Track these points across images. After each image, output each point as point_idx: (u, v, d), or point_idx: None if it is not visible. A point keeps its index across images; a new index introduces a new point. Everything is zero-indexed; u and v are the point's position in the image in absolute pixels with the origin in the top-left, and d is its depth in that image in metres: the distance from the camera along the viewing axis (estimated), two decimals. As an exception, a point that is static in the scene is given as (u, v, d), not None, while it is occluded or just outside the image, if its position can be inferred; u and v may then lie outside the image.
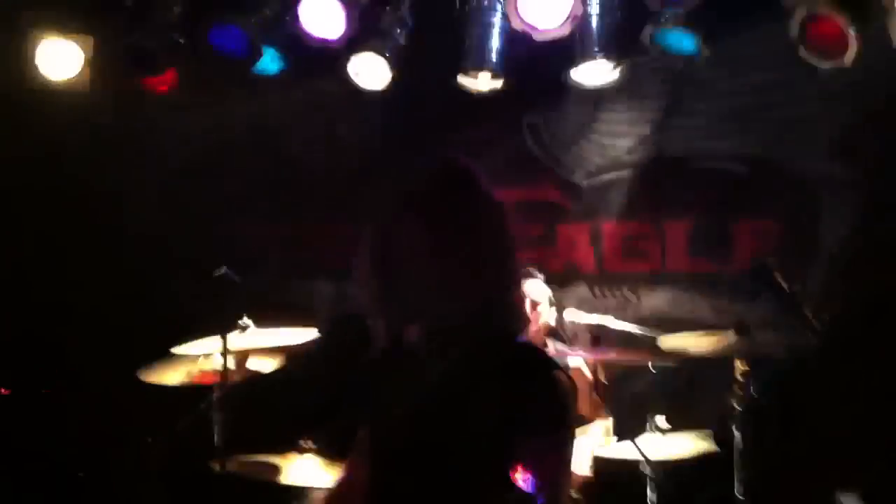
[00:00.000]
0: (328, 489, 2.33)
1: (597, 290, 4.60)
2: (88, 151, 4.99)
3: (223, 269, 3.07)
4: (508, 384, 1.92)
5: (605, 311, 4.34)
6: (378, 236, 2.04)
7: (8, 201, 4.86)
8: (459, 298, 1.99)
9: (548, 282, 3.95)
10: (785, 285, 2.04)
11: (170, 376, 3.83)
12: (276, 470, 3.62)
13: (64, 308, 4.85)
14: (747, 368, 3.57)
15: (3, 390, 4.58)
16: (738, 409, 3.56)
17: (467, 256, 1.98)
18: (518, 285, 2.09)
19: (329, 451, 3.61)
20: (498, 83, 4.22)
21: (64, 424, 4.46)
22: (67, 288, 4.87)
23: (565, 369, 2.02)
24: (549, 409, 1.90)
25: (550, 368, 1.96)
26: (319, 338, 3.82)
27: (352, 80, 4.32)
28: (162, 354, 3.82)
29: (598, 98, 4.57)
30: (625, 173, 4.66)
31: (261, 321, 3.89)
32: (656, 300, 4.57)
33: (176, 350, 3.74)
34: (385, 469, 2.04)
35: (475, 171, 2.08)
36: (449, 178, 2.07)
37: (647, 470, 3.54)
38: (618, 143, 4.69)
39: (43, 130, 4.79)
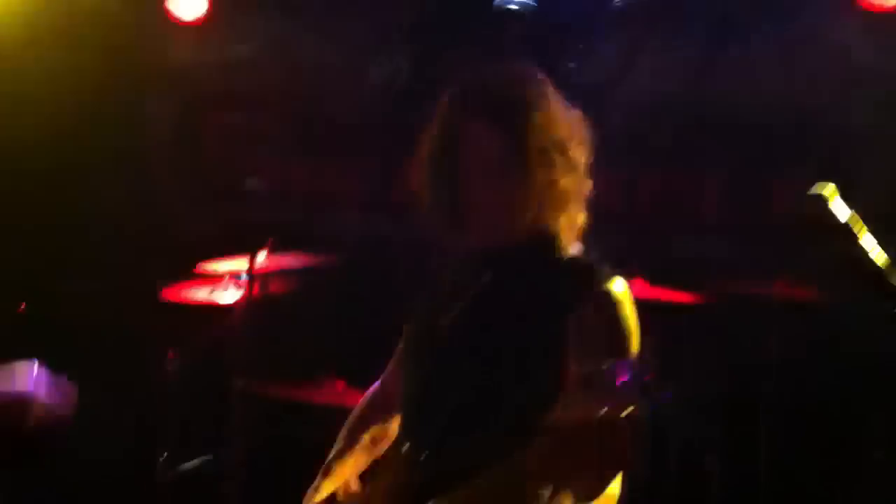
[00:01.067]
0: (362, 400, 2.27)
1: (631, 239, 4.51)
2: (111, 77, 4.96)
3: (251, 181, 3.00)
4: (560, 294, 1.85)
5: (636, 262, 4.26)
6: (444, 140, 1.96)
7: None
8: (525, 208, 1.91)
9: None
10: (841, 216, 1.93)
11: (194, 295, 3.79)
12: (297, 392, 3.58)
13: (89, 227, 4.82)
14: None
15: (22, 306, 4.55)
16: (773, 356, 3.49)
17: (540, 164, 1.90)
18: (584, 203, 2.00)
19: (351, 375, 3.56)
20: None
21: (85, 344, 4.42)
22: (95, 205, 4.84)
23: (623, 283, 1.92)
24: (601, 323, 1.81)
25: (605, 282, 1.87)
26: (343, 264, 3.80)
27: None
28: (187, 273, 3.79)
29: (636, 45, 4.45)
30: (662, 119, 4.55)
31: (286, 246, 3.86)
32: (693, 249, 4.47)
33: (201, 269, 3.70)
34: (427, 375, 1.98)
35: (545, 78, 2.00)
36: (522, 81, 1.97)
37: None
38: (655, 90, 4.57)
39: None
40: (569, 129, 1.97)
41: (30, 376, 2.83)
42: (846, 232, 1.57)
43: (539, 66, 2.03)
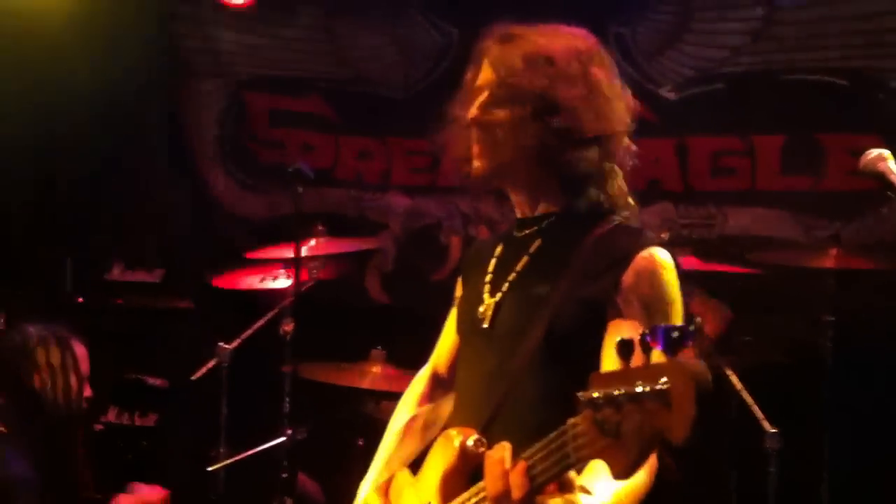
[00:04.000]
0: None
1: (681, 209, 4.43)
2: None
3: (297, 165, 2.98)
4: (607, 259, 1.81)
5: (689, 230, 4.18)
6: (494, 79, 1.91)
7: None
8: (571, 176, 1.87)
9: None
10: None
11: (244, 281, 3.80)
12: (347, 375, 3.58)
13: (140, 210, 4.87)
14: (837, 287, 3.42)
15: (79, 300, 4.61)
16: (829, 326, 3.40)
17: (585, 128, 1.84)
18: (630, 170, 1.95)
19: (400, 358, 3.55)
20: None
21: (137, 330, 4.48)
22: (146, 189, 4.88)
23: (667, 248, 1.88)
24: (641, 284, 1.78)
25: (650, 248, 1.82)
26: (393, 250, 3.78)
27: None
28: (237, 260, 3.80)
29: (688, 7, 4.35)
30: (715, 86, 4.44)
31: (335, 232, 3.85)
32: (744, 219, 4.37)
33: (250, 255, 3.71)
34: (479, 352, 1.95)
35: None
36: (570, 39, 1.92)
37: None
38: (709, 53, 4.46)
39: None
40: (617, 93, 1.91)
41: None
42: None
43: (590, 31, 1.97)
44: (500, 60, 1.90)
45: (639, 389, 1.27)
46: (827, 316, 3.43)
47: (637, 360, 1.32)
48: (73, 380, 2.89)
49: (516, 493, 1.50)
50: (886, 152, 1.73)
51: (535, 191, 1.93)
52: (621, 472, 1.32)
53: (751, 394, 3.19)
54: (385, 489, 2.02)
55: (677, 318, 1.81)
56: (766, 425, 3.11)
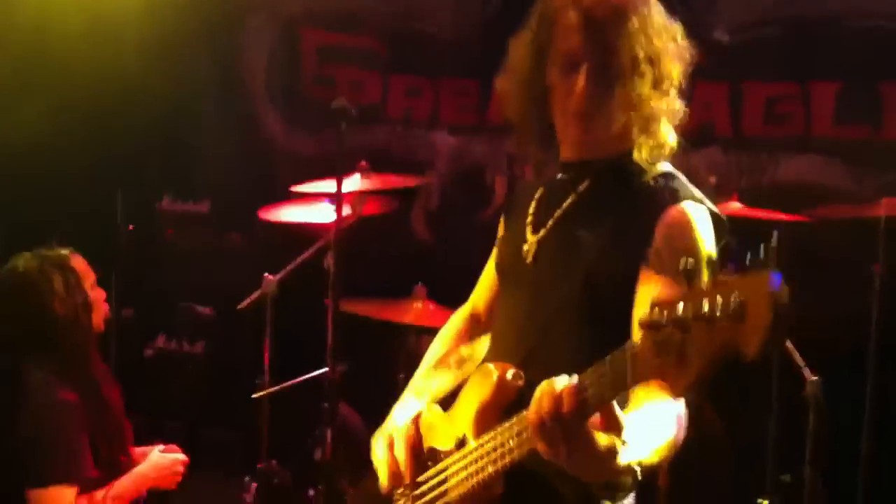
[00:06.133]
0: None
1: (731, 154, 4.36)
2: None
3: (341, 102, 2.96)
4: (647, 212, 1.81)
5: (738, 176, 4.12)
6: (535, 45, 1.91)
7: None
8: (613, 119, 1.86)
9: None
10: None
11: (288, 214, 3.83)
12: (387, 310, 3.61)
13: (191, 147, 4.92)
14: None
15: (130, 227, 4.69)
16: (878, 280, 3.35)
17: (632, 74, 1.82)
18: (676, 118, 1.93)
19: (441, 295, 3.57)
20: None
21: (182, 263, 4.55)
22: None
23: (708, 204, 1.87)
24: (675, 241, 1.77)
25: (683, 198, 1.83)
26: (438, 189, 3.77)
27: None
28: (283, 193, 3.83)
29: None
30: (770, 29, 4.34)
31: (380, 169, 3.85)
32: (797, 167, 4.30)
33: (295, 189, 3.73)
34: (519, 293, 1.96)
35: None
36: None
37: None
38: (760, 2, 4.36)
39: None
40: (667, 40, 1.88)
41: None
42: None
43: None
44: (594, 24, 1.84)
45: (707, 308, 1.27)
46: (875, 266, 3.37)
47: (700, 283, 1.31)
48: (80, 298, 2.87)
49: (566, 408, 1.48)
50: None
51: (600, 135, 1.90)
52: (678, 390, 1.33)
53: (794, 343, 3.17)
54: (416, 421, 2.06)
55: (706, 274, 1.81)
56: (807, 373, 3.09)
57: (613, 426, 1.53)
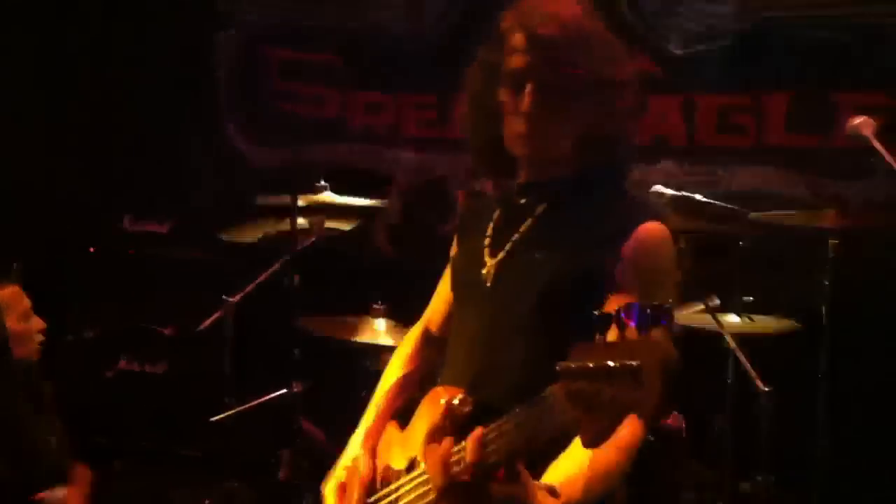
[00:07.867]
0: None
1: (686, 166, 4.41)
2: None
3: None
4: (605, 227, 1.83)
5: (693, 187, 4.17)
6: (487, 67, 1.93)
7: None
8: (571, 138, 1.88)
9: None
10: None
11: (247, 234, 3.84)
12: (347, 329, 3.63)
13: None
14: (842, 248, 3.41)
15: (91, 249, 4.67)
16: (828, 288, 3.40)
17: (585, 92, 1.84)
18: (634, 134, 1.96)
19: (400, 313, 3.59)
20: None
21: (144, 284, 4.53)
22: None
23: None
24: (639, 257, 1.79)
25: (649, 217, 1.84)
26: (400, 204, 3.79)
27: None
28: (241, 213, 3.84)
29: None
30: (722, 42, 4.41)
31: (341, 186, 3.87)
32: (750, 176, 4.36)
33: (255, 204, 3.75)
34: (475, 310, 1.97)
35: None
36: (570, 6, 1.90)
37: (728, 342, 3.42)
38: (716, 9, 4.42)
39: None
40: (614, 57, 1.91)
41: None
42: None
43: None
44: (540, 44, 1.85)
45: (611, 364, 1.29)
46: (826, 278, 3.42)
47: (612, 335, 1.34)
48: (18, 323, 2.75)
49: (470, 458, 1.53)
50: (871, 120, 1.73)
51: (551, 155, 1.92)
52: (589, 441, 1.35)
53: (747, 355, 3.23)
54: (373, 447, 2.07)
55: (673, 293, 1.83)
56: (760, 384, 3.14)
57: (513, 476, 1.55)
